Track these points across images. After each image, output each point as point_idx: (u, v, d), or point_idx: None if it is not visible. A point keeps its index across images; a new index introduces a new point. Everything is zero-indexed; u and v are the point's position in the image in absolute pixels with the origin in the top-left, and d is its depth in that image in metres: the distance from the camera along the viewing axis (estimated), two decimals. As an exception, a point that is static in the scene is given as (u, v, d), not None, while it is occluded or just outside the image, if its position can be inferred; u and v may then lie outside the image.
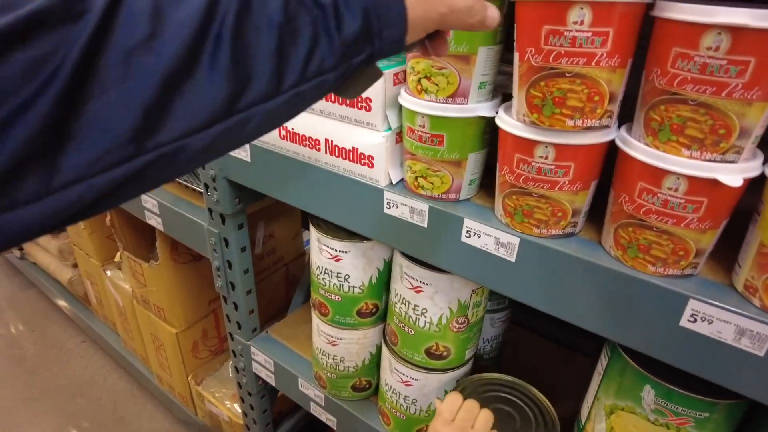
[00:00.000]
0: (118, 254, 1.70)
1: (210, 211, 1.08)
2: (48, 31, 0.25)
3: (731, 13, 0.44)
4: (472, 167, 0.70)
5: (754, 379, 0.54)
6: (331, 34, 0.35)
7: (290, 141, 0.84)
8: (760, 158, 0.52)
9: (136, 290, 1.57)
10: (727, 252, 0.59)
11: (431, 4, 0.39)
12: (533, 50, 0.55)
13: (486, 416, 0.71)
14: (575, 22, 0.51)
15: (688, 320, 0.55)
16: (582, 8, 0.50)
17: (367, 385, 1.06)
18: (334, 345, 1.00)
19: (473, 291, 0.82)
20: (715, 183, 0.50)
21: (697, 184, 0.51)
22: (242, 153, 0.93)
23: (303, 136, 0.82)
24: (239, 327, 1.21)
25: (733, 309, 0.52)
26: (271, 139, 0.87)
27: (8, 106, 0.24)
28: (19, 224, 0.27)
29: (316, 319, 1.02)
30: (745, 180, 0.50)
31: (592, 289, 0.61)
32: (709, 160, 0.50)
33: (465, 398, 0.74)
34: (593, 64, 0.53)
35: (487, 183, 0.75)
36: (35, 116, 0.25)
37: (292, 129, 0.83)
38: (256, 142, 0.90)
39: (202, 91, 0.30)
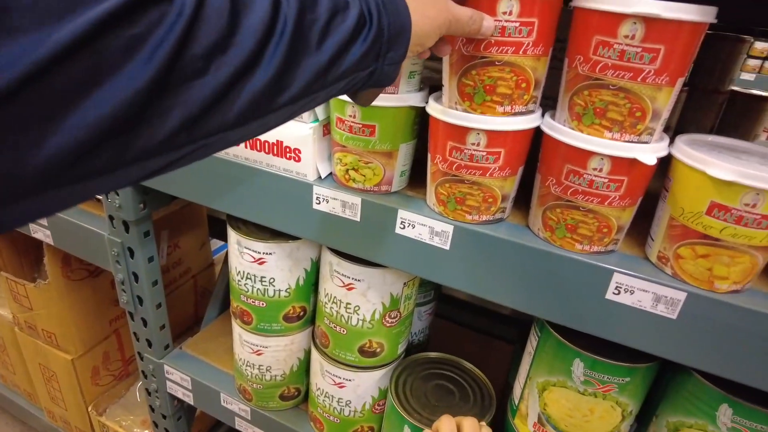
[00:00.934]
0: (-6, 276, 1.48)
1: (111, 218, 0.98)
2: (148, 11, 0.27)
3: (645, 3, 0.47)
4: (403, 158, 0.69)
5: (668, 341, 0.59)
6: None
7: (206, 137, 0.78)
8: (667, 139, 0.57)
9: (19, 316, 1.38)
10: (638, 227, 0.64)
11: (436, 20, 0.45)
12: (464, 40, 0.56)
13: None
14: (504, 12, 0.53)
15: (613, 293, 0.59)
16: (511, 0, 0.51)
17: (296, 392, 1.02)
18: (259, 354, 0.95)
19: (405, 284, 0.82)
20: (634, 162, 0.54)
21: (619, 163, 0.54)
22: (149, 152, 0.85)
23: (220, 131, 0.76)
24: (150, 345, 1.11)
25: (650, 278, 0.57)
26: (184, 135, 0.80)
27: (108, 76, 0.25)
28: (88, 190, 0.29)
29: (238, 328, 0.96)
30: (658, 159, 0.54)
31: (524, 271, 0.63)
32: (629, 141, 0.54)
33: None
34: (521, 52, 0.55)
35: (415, 175, 0.75)
36: (129, 91, 0.26)
37: (208, 124, 0.77)
38: (165, 139, 0.83)
39: (255, 88, 0.33)
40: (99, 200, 1.06)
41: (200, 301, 1.64)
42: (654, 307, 0.58)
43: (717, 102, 1.33)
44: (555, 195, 0.60)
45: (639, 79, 0.51)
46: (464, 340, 1.22)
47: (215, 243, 1.95)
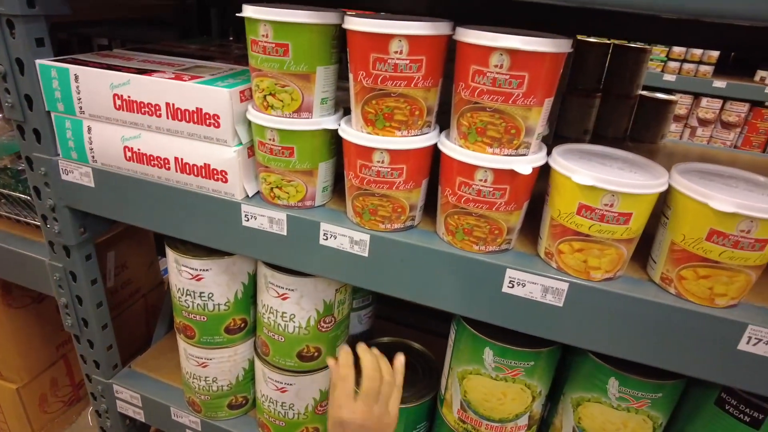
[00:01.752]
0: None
1: (51, 244, 1.00)
2: None
3: (507, 39, 0.56)
4: (323, 175, 0.76)
5: (558, 326, 0.67)
6: None
7: (137, 162, 0.82)
8: (544, 150, 0.66)
9: (-40, 347, 1.36)
10: (531, 228, 0.72)
11: None
12: (364, 74, 0.63)
13: (390, 368, 0.73)
14: (396, 52, 0.60)
15: (508, 286, 0.67)
16: (400, 40, 0.59)
17: (244, 401, 1.06)
18: (204, 366, 0.99)
19: (337, 290, 0.88)
20: (513, 173, 0.62)
21: (500, 174, 0.63)
22: (85, 179, 0.88)
23: (150, 156, 0.81)
24: (97, 366, 1.13)
25: (539, 273, 0.65)
26: (116, 161, 0.84)
27: None
28: None
29: (182, 343, 1.00)
30: (534, 168, 0.63)
31: (432, 271, 0.71)
32: (507, 155, 0.62)
33: (357, 364, 0.75)
34: (412, 85, 0.62)
35: (339, 188, 0.82)
36: None
37: (138, 149, 0.81)
38: (99, 165, 0.86)
39: None
40: (37, 226, 1.08)
41: (151, 320, 1.65)
42: (543, 297, 0.66)
43: (629, 105, 1.46)
44: (452, 203, 0.67)
45: (510, 102, 0.59)
46: (406, 338, 1.28)
47: (164, 262, 1.96)
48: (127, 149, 0.83)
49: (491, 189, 0.64)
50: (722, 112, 3.05)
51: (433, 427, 0.92)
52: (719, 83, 2.93)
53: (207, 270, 0.89)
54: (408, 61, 0.61)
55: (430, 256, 0.70)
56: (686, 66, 2.98)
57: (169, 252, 0.92)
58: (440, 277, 0.70)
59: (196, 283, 0.91)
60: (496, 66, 0.58)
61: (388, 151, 0.66)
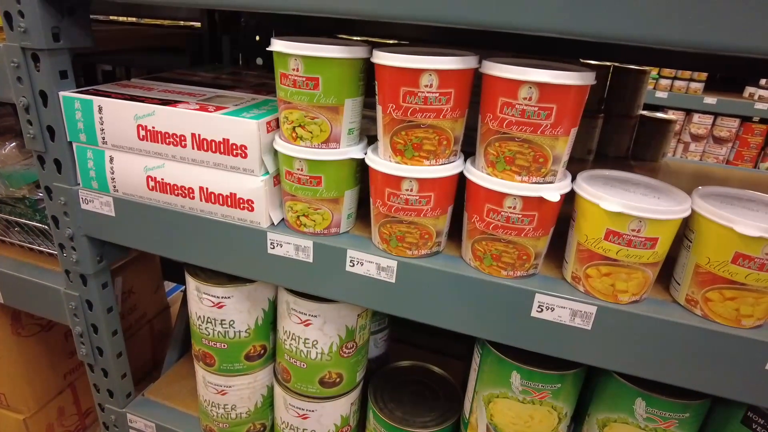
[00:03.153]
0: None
1: (67, 272, 0.99)
2: None
3: (537, 73, 0.58)
4: (348, 203, 0.77)
5: (587, 349, 0.68)
6: None
7: (160, 191, 0.83)
8: (569, 178, 0.68)
9: (-34, 378, 1.34)
10: (556, 252, 0.74)
11: None
12: (394, 106, 0.65)
13: None
14: (426, 85, 0.62)
15: (536, 311, 0.68)
16: (431, 74, 0.61)
17: (262, 428, 1.06)
18: (224, 394, 0.99)
19: (359, 315, 0.89)
20: (541, 200, 0.64)
21: (528, 201, 0.64)
22: (106, 208, 0.88)
23: (174, 185, 0.82)
24: (111, 395, 1.11)
25: (567, 296, 0.67)
26: (138, 191, 0.85)
27: None
28: None
29: (201, 370, 0.99)
30: (561, 195, 0.64)
31: (460, 296, 0.72)
32: (535, 182, 0.64)
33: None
34: (441, 117, 0.64)
35: (361, 214, 0.83)
36: None
37: (162, 179, 0.82)
38: (120, 195, 0.87)
39: None
40: (50, 254, 1.08)
41: (157, 345, 1.64)
42: (572, 320, 0.67)
43: (630, 125, 1.49)
44: (480, 230, 0.69)
45: (539, 132, 0.61)
46: (420, 359, 1.29)
47: (168, 284, 1.95)
48: (150, 179, 0.83)
49: (520, 216, 0.65)
50: (714, 127, 3.12)
51: (456, 451, 0.93)
52: (710, 99, 3.00)
53: (229, 297, 0.90)
54: (438, 94, 0.62)
55: (458, 281, 0.71)
56: (677, 83, 3.05)
57: (190, 279, 0.92)
58: (468, 302, 0.71)
59: (218, 310, 0.91)
60: (525, 98, 0.59)
61: (417, 180, 0.67)
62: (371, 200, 0.74)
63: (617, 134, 1.49)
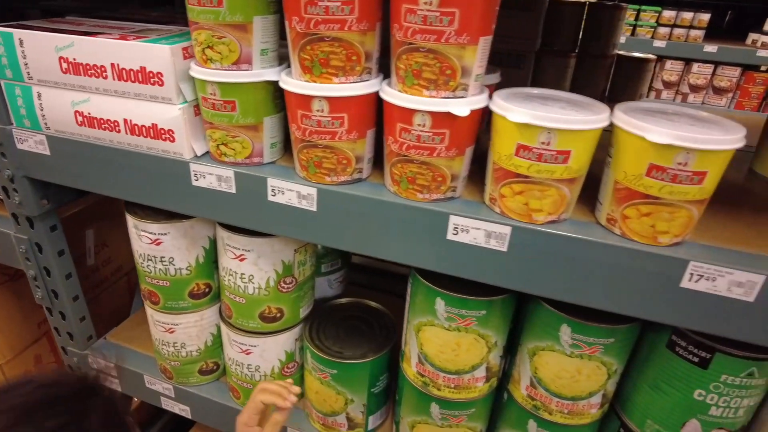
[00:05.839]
0: None
1: (15, 216, 1.00)
2: None
3: (432, -28, 0.54)
4: (269, 130, 0.75)
5: (504, 271, 0.67)
6: None
7: (88, 126, 0.82)
8: (485, 93, 0.65)
9: (-60, 326, 1.37)
10: (480, 175, 0.71)
11: None
12: (297, 18, 0.62)
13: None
14: (325, -9, 0.59)
15: (452, 233, 0.67)
16: (326, -23, 0.58)
17: (215, 366, 1.07)
18: (171, 332, 1.00)
19: (296, 251, 0.88)
20: (451, 116, 0.61)
21: (438, 118, 0.62)
22: (40, 147, 0.88)
23: (101, 119, 0.80)
24: (71, 337, 1.14)
25: (481, 218, 0.65)
26: (68, 127, 0.84)
27: None
28: None
29: (149, 309, 1.00)
30: (473, 111, 0.62)
31: (379, 222, 0.70)
32: (444, 97, 0.61)
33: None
34: (346, 29, 0.61)
35: (289, 145, 0.81)
36: None
37: (89, 113, 0.81)
38: (52, 132, 0.86)
39: None
40: (1, 200, 1.08)
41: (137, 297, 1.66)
42: (487, 242, 0.66)
43: (605, 65, 1.44)
44: (395, 152, 0.66)
45: (443, 41, 0.58)
46: (378, 301, 1.29)
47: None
48: (77, 114, 0.82)
49: (430, 134, 0.63)
50: (714, 77, 3.01)
51: (396, 382, 0.93)
52: (710, 48, 2.89)
53: (165, 234, 0.89)
54: (339, 3, 0.59)
55: (376, 207, 0.69)
56: (676, 31, 2.93)
57: (128, 217, 0.92)
58: (387, 227, 0.70)
59: (156, 247, 0.91)
60: (425, 3, 0.56)
61: (327, 98, 0.65)
62: (289, 125, 0.72)
63: (592, 75, 1.43)
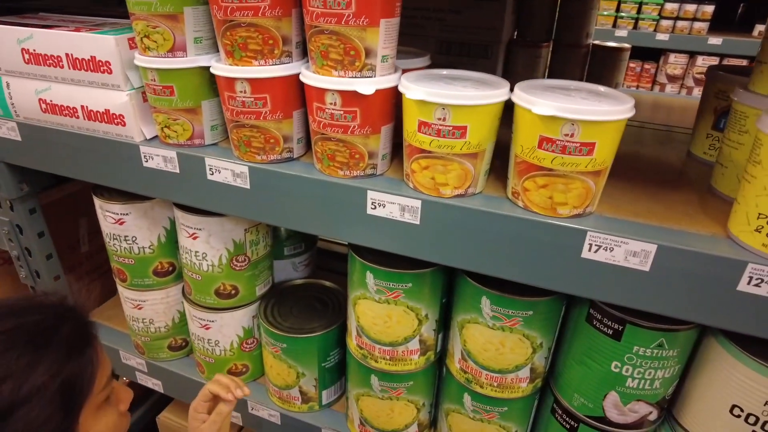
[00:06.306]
0: None
1: (-3, 200, 1.07)
2: None
3: (326, -42, 0.58)
4: (208, 113, 0.80)
5: (418, 243, 0.70)
6: None
7: (51, 113, 0.88)
8: (396, 74, 0.68)
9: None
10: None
11: None
12: (217, 7, 0.67)
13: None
14: (235, -22, 0.63)
15: (371, 208, 0.70)
16: (231, -37, 0.62)
17: (184, 342, 1.13)
18: (139, 308, 1.06)
19: (246, 230, 0.93)
20: (358, 95, 0.65)
21: (346, 97, 0.65)
22: (12, 133, 0.95)
23: (62, 106, 0.87)
24: (53, 315, 1.21)
25: (394, 192, 0.68)
26: (35, 114, 0.90)
27: None
28: None
29: (119, 287, 1.07)
30: (380, 90, 0.65)
31: (305, 199, 0.74)
32: (351, 77, 0.65)
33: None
34: (260, 14, 0.66)
35: (235, 130, 0.86)
36: None
37: (51, 101, 0.87)
38: (21, 119, 0.93)
39: None
40: (-14, 185, 1.16)
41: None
42: (402, 216, 0.69)
43: (580, 55, 1.44)
44: (315, 130, 0.71)
45: (343, 23, 0.62)
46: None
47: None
48: (41, 101, 0.88)
49: (342, 112, 0.67)
50: (720, 69, 2.95)
51: (345, 356, 0.97)
52: (715, 40, 2.83)
53: (127, 214, 0.95)
54: (251, -10, 0.64)
55: (301, 183, 0.73)
56: (680, 24, 2.89)
57: (95, 199, 0.98)
58: (311, 203, 0.74)
59: (120, 227, 0.97)
60: (325, -12, 0.60)
61: (248, 80, 0.69)
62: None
63: (567, 65, 1.44)
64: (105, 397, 0.65)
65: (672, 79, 3.01)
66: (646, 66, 3.11)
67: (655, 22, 2.91)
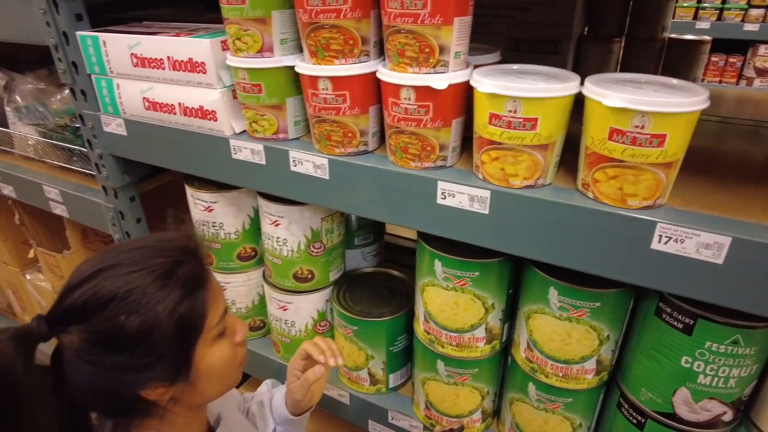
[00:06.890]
0: (32, 251, 1.77)
1: (104, 189, 1.21)
2: None
3: (405, -37, 0.62)
4: (292, 110, 0.87)
5: (486, 232, 0.73)
6: None
7: (153, 110, 0.99)
8: (468, 70, 0.71)
9: (56, 284, 1.66)
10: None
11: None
12: (302, 10, 0.73)
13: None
14: (322, -16, 0.69)
15: (441, 198, 0.74)
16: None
17: (261, 323, 1.22)
18: (223, 290, 1.15)
19: (322, 219, 0.99)
20: (431, 89, 0.69)
21: (420, 92, 0.69)
22: (120, 129, 1.07)
23: (161, 103, 0.97)
24: (148, 294, 1.34)
25: (465, 183, 0.72)
26: (139, 111, 1.01)
27: None
28: None
29: (206, 270, 1.17)
30: (452, 85, 0.69)
31: (379, 189, 0.79)
32: (426, 73, 0.69)
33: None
34: (341, 17, 0.71)
35: (314, 125, 0.92)
36: None
37: (153, 99, 0.98)
38: (128, 116, 1.04)
39: None
40: (92, 175, 1.30)
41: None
42: (471, 205, 0.72)
43: (654, 49, 1.40)
44: (390, 124, 0.75)
45: (419, 22, 0.66)
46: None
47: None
48: (145, 100, 0.99)
49: (416, 106, 0.71)
50: (819, 59, 2.72)
51: (412, 343, 1.01)
52: (813, 27, 2.61)
53: (216, 202, 1.05)
54: (335, -6, 0.69)
55: (376, 174, 0.78)
56: (772, 10, 2.69)
57: (187, 188, 1.08)
58: (385, 193, 0.79)
59: (208, 214, 1.06)
60: (402, -10, 0.65)
61: (330, 78, 0.75)
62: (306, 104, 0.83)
63: (640, 60, 1.40)
64: (219, 332, 0.68)
65: (762, 72, 2.81)
66: (731, 59, 2.92)
67: (743, 12, 2.73)
